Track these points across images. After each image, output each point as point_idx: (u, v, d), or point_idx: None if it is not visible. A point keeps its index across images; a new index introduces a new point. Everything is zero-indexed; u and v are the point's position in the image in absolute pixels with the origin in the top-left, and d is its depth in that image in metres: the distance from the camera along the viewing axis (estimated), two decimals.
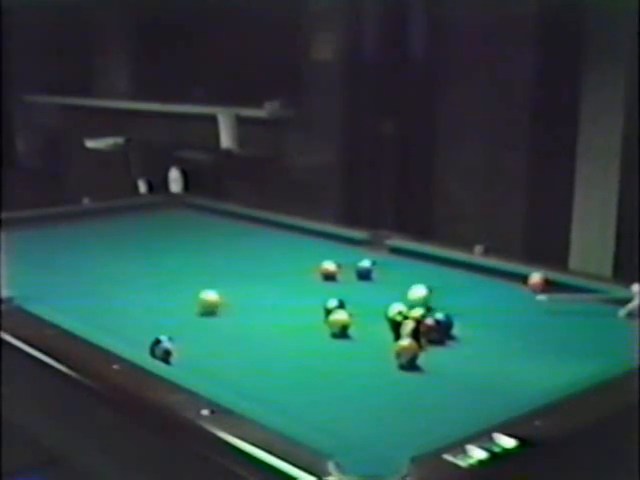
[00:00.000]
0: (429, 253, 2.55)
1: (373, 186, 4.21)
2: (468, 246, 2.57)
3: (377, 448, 1.31)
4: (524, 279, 2.25)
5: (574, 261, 3.73)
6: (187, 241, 2.88)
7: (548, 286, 2.21)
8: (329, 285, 2.24)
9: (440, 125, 4.28)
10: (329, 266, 2.35)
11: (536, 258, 2.49)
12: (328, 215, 3.69)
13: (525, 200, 4.02)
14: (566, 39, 3.75)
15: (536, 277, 2.23)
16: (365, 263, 2.39)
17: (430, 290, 2.09)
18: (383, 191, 4.39)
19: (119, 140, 5.60)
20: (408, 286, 2.29)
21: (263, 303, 2.16)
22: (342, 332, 1.89)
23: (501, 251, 2.55)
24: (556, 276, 2.24)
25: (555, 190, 3.87)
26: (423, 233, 3.22)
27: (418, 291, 2.10)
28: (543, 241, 3.87)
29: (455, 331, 1.89)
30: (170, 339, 1.70)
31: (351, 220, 3.68)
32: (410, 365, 1.69)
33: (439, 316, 1.88)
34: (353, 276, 2.37)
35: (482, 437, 1.29)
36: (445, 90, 4.21)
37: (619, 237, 3.63)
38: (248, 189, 4.94)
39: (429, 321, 1.85)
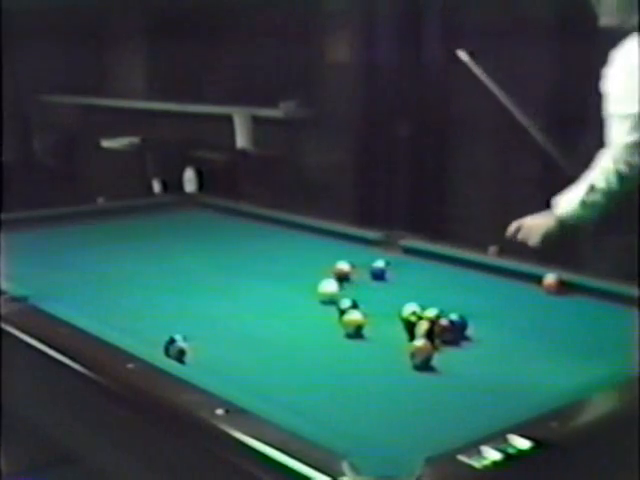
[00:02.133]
0: (443, 253, 2.54)
1: (387, 186, 4.21)
2: (482, 247, 2.56)
3: (391, 448, 1.31)
4: (539, 280, 2.24)
5: (589, 262, 3.70)
6: (202, 241, 2.88)
7: (563, 287, 2.19)
8: (343, 286, 2.24)
9: (454, 126, 4.27)
10: (343, 266, 2.35)
11: (550, 259, 2.47)
12: (342, 215, 3.68)
13: (540, 201, 4.00)
14: (581, 41, 3.73)
15: (551, 278, 2.22)
16: (379, 263, 2.39)
17: (340, 286, 2.13)
18: (397, 191, 4.38)
19: (134, 140, 5.62)
20: (422, 286, 2.30)
21: (277, 303, 2.16)
22: (356, 332, 1.88)
23: (515, 252, 2.54)
24: (571, 277, 2.22)
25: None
26: (437, 233, 3.21)
27: (328, 286, 2.12)
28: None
29: (469, 332, 1.88)
30: (184, 338, 1.70)
31: (365, 220, 3.68)
32: (424, 366, 1.69)
33: (453, 317, 1.87)
34: (367, 276, 2.37)
35: (497, 438, 1.29)
36: (459, 91, 4.20)
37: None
38: (263, 189, 4.95)
39: (443, 322, 1.85)
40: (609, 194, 2.45)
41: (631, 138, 2.38)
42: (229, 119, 5.10)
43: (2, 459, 1.96)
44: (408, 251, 2.63)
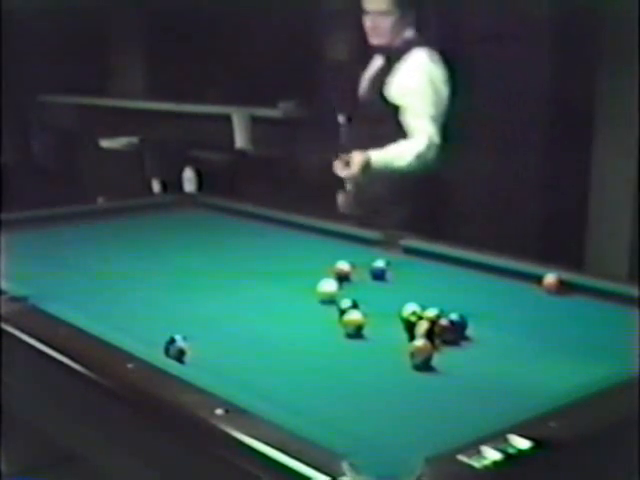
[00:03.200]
0: (443, 253, 2.54)
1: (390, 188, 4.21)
2: (482, 246, 2.56)
3: (391, 448, 1.31)
4: (539, 280, 2.24)
5: (589, 261, 3.71)
6: (201, 241, 2.88)
7: (563, 287, 2.20)
8: (343, 286, 2.24)
9: (454, 124, 4.27)
10: (343, 266, 2.35)
11: (551, 258, 2.48)
12: (342, 215, 3.68)
13: (540, 199, 4.01)
14: (582, 38, 3.74)
15: (551, 278, 2.22)
16: (379, 263, 2.39)
17: (340, 286, 2.14)
18: (395, 194, 4.38)
19: (133, 140, 5.62)
20: (423, 286, 2.30)
21: (277, 303, 2.16)
22: (356, 332, 1.89)
23: (516, 251, 2.54)
24: (571, 277, 2.23)
25: (570, 189, 3.85)
26: (437, 233, 3.21)
27: (328, 286, 2.13)
28: (558, 241, 3.85)
29: (469, 332, 1.89)
30: (184, 338, 1.70)
31: (365, 220, 3.67)
32: (424, 365, 1.69)
33: (453, 317, 1.87)
34: (367, 276, 2.37)
35: (496, 438, 1.29)
36: (458, 89, 4.20)
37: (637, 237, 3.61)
38: (262, 189, 4.94)
39: (443, 321, 1.85)
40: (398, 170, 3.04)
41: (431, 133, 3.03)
42: (228, 119, 5.10)
43: (2, 459, 1.96)
44: (408, 251, 2.63)
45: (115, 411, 1.59)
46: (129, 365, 1.61)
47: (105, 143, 5.76)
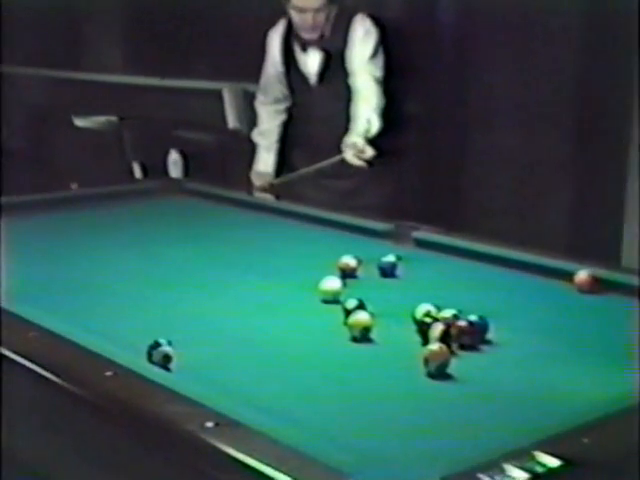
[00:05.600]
0: (461, 247, 2.55)
1: (398, 172, 4.20)
2: (505, 239, 2.56)
3: (402, 466, 1.31)
4: (569, 276, 2.23)
5: (627, 257, 3.70)
6: (189, 232, 2.88)
7: (597, 284, 2.19)
8: (348, 283, 2.24)
9: (474, 103, 4.26)
10: (349, 261, 2.35)
11: (583, 254, 2.48)
12: (348, 205, 3.69)
13: (571, 189, 4.00)
14: (617, 14, 3.72)
15: (583, 274, 2.22)
16: (389, 258, 2.39)
17: (344, 284, 2.15)
18: (409, 178, 4.38)
19: (112, 118, 5.61)
20: (438, 284, 2.30)
21: (274, 302, 2.16)
22: (363, 335, 1.89)
23: (543, 245, 2.54)
24: (606, 273, 2.22)
25: (605, 177, 3.84)
26: (454, 225, 3.22)
27: (332, 283, 2.13)
28: (591, 235, 3.84)
29: (491, 335, 1.88)
30: (170, 342, 1.70)
31: (373, 210, 3.67)
32: (440, 373, 1.69)
33: (472, 318, 1.87)
34: (375, 272, 2.37)
35: (522, 455, 1.29)
36: (480, 65, 4.19)
37: None
38: None
39: (461, 323, 1.85)
40: None
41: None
42: (219, 95, 5.09)
43: None
44: (421, 244, 2.63)
45: (91, 424, 1.59)
46: (107, 373, 1.61)
47: (79, 122, 5.75)
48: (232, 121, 5.09)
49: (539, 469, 1.26)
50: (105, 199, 3.22)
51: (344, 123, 3.49)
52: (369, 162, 3.43)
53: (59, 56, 6.20)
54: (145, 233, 2.88)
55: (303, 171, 3.60)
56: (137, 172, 5.34)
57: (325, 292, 2.14)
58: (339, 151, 3.44)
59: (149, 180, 4.39)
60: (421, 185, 4.41)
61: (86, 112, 5.71)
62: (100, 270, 2.42)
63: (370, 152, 3.39)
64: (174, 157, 5.13)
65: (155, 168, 5.09)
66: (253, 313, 2.08)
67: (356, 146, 3.38)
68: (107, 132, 5.62)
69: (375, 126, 3.46)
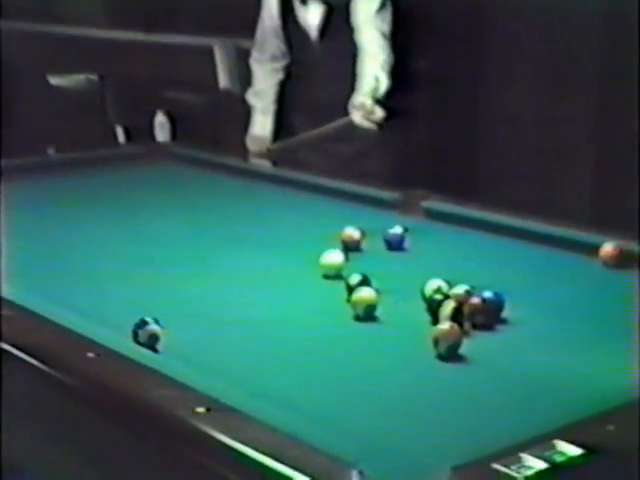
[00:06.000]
0: (475, 218, 2.54)
1: (406, 136, 4.19)
2: (523, 209, 2.56)
3: (410, 455, 1.32)
4: (594, 250, 2.23)
5: None
6: (177, 202, 2.88)
7: (624, 258, 2.19)
8: (351, 256, 2.24)
9: (490, 58, 4.23)
10: (352, 233, 2.35)
11: (610, 224, 2.48)
12: (351, 171, 3.68)
13: (597, 154, 3.98)
14: None
15: (609, 247, 2.22)
16: (396, 229, 2.39)
17: (347, 257, 2.15)
18: (419, 142, 4.36)
19: (91, 77, 5.58)
20: (449, 257, 2.30)
21: (270, 278, 2.17)
22: (367, 314, 1.89)
23: (566, 216, 2.54)
24: (635, 246, 2.22)
25: (634, 142, 3.82)
26: (467, 193, 3.21)
27: (333, 257, 2.13)
28: (619, 204, 3.83)
29: (506, 313, 1.89)
30: (157, 321, 1.70)
31: (379, 177, 3.67)
32: (451, 354, 1.69)
33: (487, 294, 1.87)
34: (381, 245, 2.37)
35: (540, 444, 1.29)
36: (497, 14, 4.16)
37: None
38: None
39: (475, 300, 1.85)
40: None
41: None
42: (209, 52, 5.06)
43: None
44: (431, 214, 2.63)
45: (71, 409, 1.59)
46: (89, 354, 1.61)
47: (56, 80, 5.72)
48: (224, 80, 5.07)
49: (559, 458, 1.26)
50: (85, 165, 3.21)
51: (349, 82, 3.46)
52: (379, 124, 3.41)
53: (32, 8, 6.16)
54: (129, 203, 2.87)
55: (304, 135, 3.57)
56: (120, 136, 5.32)
57: (326, 267, 2.14)
58: (344, 113, 3.42)
59: (133, 145, 4.37)
60: (432, 149, 4.39)
61: (63, 70, 5.68)
62: (80, 243, 2.42)
63: (380, 113, 3.37)
64: (160, 120, 5.11)
65: (140, 132, 5.07)
66: (248, 290, 2.08)
67: (364, 107, 3.36)
68: (86, 92, 5.59)
69: (384, 85, 3.44)
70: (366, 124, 3.38)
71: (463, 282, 1.91)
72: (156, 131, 5.08)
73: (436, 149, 4.38)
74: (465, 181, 4.20)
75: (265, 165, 3.45)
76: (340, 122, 3.42)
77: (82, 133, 5.45)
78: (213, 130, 4.94)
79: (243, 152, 3.70)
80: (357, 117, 3.37)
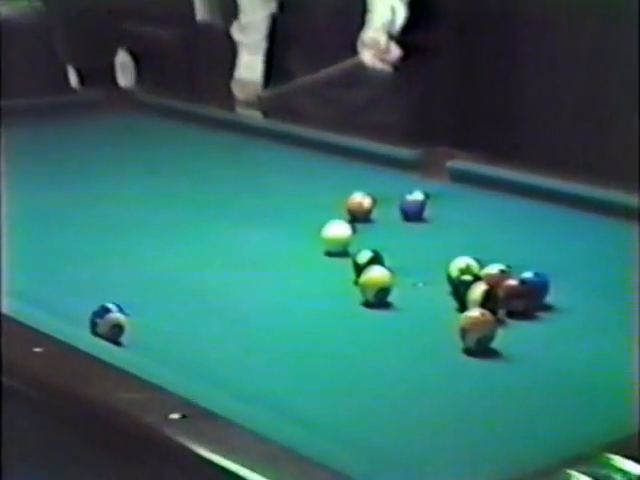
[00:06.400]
0: (511, 180, 2.55)
1: (427, 80, 4.19)
2: (567, 170, 2.56)
3: (430, 471, 1.32)
4: None
5: None
6: (145, 161, 2.88)
7: None
8: (360, 228, 2.24)
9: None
10: (361, 200, 2.36)
11: None
12: (361, 125, 3.68)
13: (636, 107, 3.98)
14: None
15: None
16: (414, 196, 2.40)
17: (355, 230, 2.15)
18: (442, 88, 4.37)
19: (37, 4, 5.56)
20: (479, 229, 2.30)
21: (262, 255, 2.18)
22: (379, 299, 1.90)
23: (618, 178, 2.54)
24: None
25: None
26: (500, 151, 3.22)
27: (339, 229, 2.14)
28: None
29: (551, 297, 1.89)
30: (120, 308, 1.71)
31: (394, 131, 3.67)
32: (481, 348, 1.70)
33: (526, 275, 1.88)
34: (396, 215, 2.38)
35: (592, 459, 1.29)
36: None
37: None
38: None
39: (511, 282, 1.85)
40: None
41: None
42: None
43: None
44: (458, 177, 2.64)
45: (18, 415, 1.59)
46: (36, 349, 1.61)
47: None
48: (202, 11, 5.06)
49: (616, 477, 1.27)
50: (32, 115, 3.20)
51: (358, 14, 3.44)
52: (394, 65, 3.40)
53: None
54: (85, 161, 2.87)
55: (303, 80, 3.56)
56: (73, 79, 5.31)
57: (330, 241, 2.14)
58: (353, 52, 3.41)
59: (90, 90, 4.36)
60: (459, 97, 4.40)
61: None
62: (25, 210, 2.41)
63: (396, 52, 3.37)
64: (123, 59, 5.10)
65: (98, 74, 5.06)
66: (233, 270, 2.08)
67: (377, 43, 3.35)
68: (30, 23, 5.57)
69: (401, 17, 3.42)
70: (379, 65, 3.36)
71: (497, 260, 1.92)
72: (117, 73, 5.07)
73: (464, 97, 4.39)
74: (499, 135, 4.20)
75: (255, 116, 3.43)
76: (347, 63, 3.40)
77: (27, 75, 5.43)
78: (189, 73, 4.94)
79: (227, 100, 3.68)
80: (368, 57, 3.36)
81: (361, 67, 3.39)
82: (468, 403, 1.57)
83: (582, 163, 3.54)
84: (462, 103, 4.40)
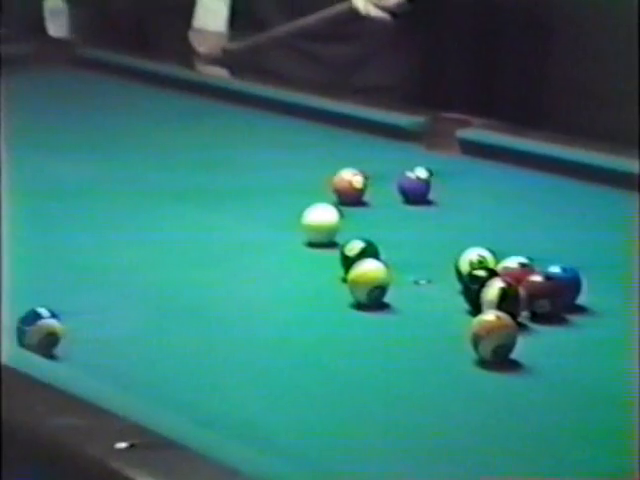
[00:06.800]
0: (532, 152, 2.56)
1: (433, 33, 4.20)
2: (602, 140, 2.57)
3: None
4: None
5: None
6: (87, 130, 2.88)
7: None
8: (349, 213, 2.25)
9: None
10: (351, 177, 2.36)
11: None
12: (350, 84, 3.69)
13: None
14: None
15: None
16: (417, 172, 2.40)
17: (343, 214, 2.17)
18: (451, 42, 4.38)
19: None
20: (495, 213, 2.30)
21: (231, 246, 2.19)
22: (373, 298, 1.90)
23: None
24: None
25: None
26: (521, 117, 3.24)
27: (324, 213, 2.15)
28: None
29: (583, 297, 1.90)
30: (53, 314, 1.71)
31: (393, 94, 3.68)
32: (499, 358, 1.71)
33: (553, 269, 1.89)
34: (394, 195, 2.40)
35: None
36: None
37: None
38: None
39: (534, 278, 1.86)
40: None
41: None
42: None
43: None
44: (469, 148, 2.65)
45: None
46: None
47: None
48: None
49: None
50: None
51: None
52: (393, 13, 3.40)
53: None
54: (14, 130, 2.87)
55: (279, 30, 3.57)
56: None
57: (313, 228, 2.15)
58: None
59: (16, 41, 4.35)
60: (472, 53, 4.41)
61: None
62: None
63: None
64: (54, 3, 5.09)
65: (23, 21, 5.05)
66: (194, 266, 2.09)
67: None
68: None
69: None
70: (374, 12, 3.36)
71: (516, 252, 1.93)
72: (47, 21, 5.05)
73: (477, 52, 4.40)
74: (521, 100, 4.22)
75: (219, 75, 3.42)
76: (334, 9, 3.41)
77: None
78: (137, 20, 4.93)
79: (185, 54, 3.67)
80: (361, 2, 3.37)
81: (351, 15, 3.38)
82: (481, 425, 1.58)
83: (620, 133, 3.55)
84: (476, 58, 4.41)
